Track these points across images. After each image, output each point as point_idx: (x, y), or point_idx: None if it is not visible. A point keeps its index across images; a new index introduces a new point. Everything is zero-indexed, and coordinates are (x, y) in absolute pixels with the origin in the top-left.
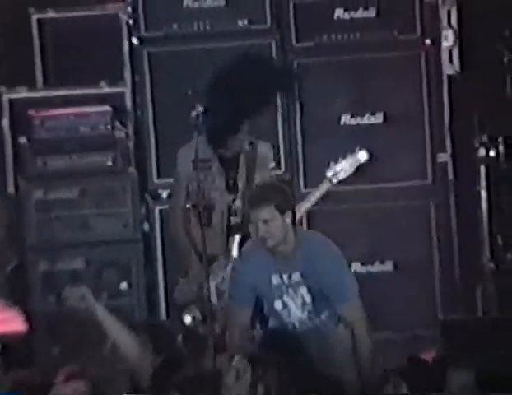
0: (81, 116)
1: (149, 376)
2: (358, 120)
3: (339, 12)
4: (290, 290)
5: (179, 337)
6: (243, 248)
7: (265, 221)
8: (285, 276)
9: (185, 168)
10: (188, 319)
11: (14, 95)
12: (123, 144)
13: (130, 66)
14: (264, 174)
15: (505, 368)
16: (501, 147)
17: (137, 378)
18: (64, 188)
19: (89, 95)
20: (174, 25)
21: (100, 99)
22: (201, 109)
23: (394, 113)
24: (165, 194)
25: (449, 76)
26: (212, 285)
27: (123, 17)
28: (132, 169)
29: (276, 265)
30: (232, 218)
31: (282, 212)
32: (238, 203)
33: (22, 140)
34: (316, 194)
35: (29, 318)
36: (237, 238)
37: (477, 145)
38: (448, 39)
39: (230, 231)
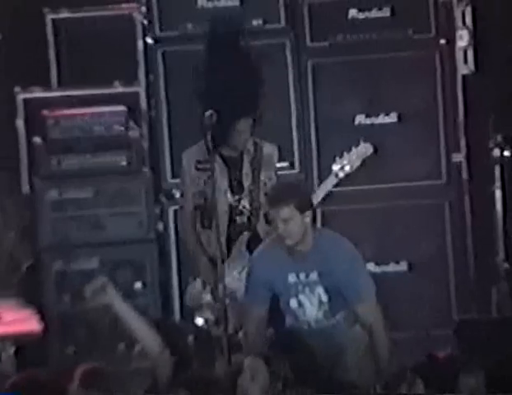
0: (96, 116)
1: (169, 372)
2: (372, 120)
3: (353, 12)
4: (306, 289)
5: (190, 337)
6: (260, 246)
7: (284, 220)
8: (302, 275)
9: (190, 170)
10: (200, 321)
11: (28, 95)
12: (137, 144)
13: (144, 66)
14: (270, 173)
15: None
16: None
17: (156, 375)
18: (78, 187)
19: (103, 94)
20: (189, 25)
21: (115, 99)
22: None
23: (409, 113)
24: (178, 194)
25: (464, 76)
26: (222, 285)
27: (138, 17)
28: (146, 169)
29: (293, 264)
30: (238, 218)
31: (302, 212)
32: (244, 203)
33: (37, 140)
34: (323, 189)
35: (43, 317)
36: (244, 237)
37: (491, 145)
38: (462, 39)
39: (236, 231)
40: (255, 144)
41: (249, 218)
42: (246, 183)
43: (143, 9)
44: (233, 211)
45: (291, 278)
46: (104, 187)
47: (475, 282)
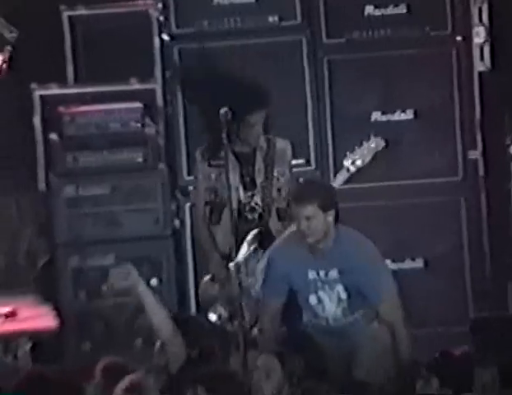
0: (112, 113)
1: (181, 363)
2: (389, 117)
3: (370, 9)
4: (326, 286)
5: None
6: (279, 241)
7: (307, 218)
8: (321, 273)
9: (203, 165)
10: (213, 317)
11: (45, 92)
12: (153, 140)
13: (161, 62)
14: (283, 169)
15: None
16: None
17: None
18: (95, 184)
19: (119, 91)
20: (205, 22)
21: (131, 96)
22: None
23: (425, 110)
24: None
25: (480, 73)
26: (236, 281)
27: (154, 14)
28: (162, 166)
29: (313, 260)
30: (249, 214)
31: (325, 211)
32: (256, 199)
33: (53, 136)
34: (334, 184)
35: (59, 314)
36: (256, 234)
37: (507, 142)
38: (479, 36)
39: (247, 227)
40: (268, 140)
41: (260, 214)
42: (259, 179)
43: (159, 6)
44: (244, 207)
45: (311, 275)
46: (120, 183)
47: (491, 279)
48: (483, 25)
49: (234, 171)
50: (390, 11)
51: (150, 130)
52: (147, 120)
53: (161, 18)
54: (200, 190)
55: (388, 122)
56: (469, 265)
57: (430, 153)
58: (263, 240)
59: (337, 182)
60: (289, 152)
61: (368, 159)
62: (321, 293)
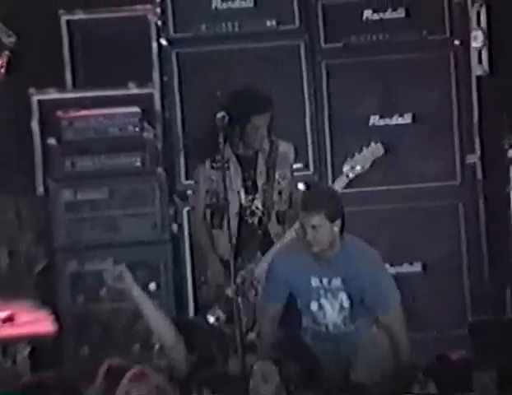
0: (110, 117)
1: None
2: (387, 121)
3: (368, 13)
4: (328, 294)
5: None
6: (281, 245)
7: (314, 227)
8: (325, 280)
9: (204, 168)
10: (211, 320)
11: (43, 97)
12: (151, 145)
13: (159, 67)
14: (285, 172)
15: None
16: None
17: (172, 370)
18: (93, 188)
19: (118, 96)
20: (203, 27)
21: (129, 101)
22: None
23: (423, 114)
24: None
25: (478, 77)
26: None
27: (152, 19)
28: (160, 170)
29: (317, 268)
30: (250, 218)
31: (332, 220)
32: (257, 203)
33: (51, 141)
34: None
35: (57, 319)
36: (257, 237)
37: (506, 146)
38: (477, 40)
39: (247, 231)
40: (271, 142)
41: (260, 218)
42: (260, 181)
43: (157, 10)
44: (245, 211)
45: (314, 282)
46: (119, 188)
47: (489, 283)
48: (481, 29)
49: (236, 175)
50: (388, 15)
51: (148, 134)
52: (145, 125)
53: (159, 23)
54: (201, 192)
55: (386, 126)
56: (467, 269)
57: (428, 157)
58: (263, 244)
59: (336, 187)
60: (291, 155)
61: (367, 165)
62: (323, 300)
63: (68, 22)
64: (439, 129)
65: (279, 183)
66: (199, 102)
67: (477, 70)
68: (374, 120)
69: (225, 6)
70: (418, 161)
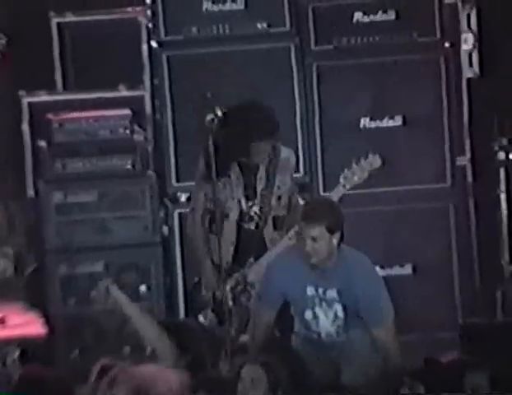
0: (101, 119)
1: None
2: (377, 123)
3: (358, 15)
4: (323, 303)
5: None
6: (278, 252)
7: (313, 239)
8: (320, 290)
9: (204, 172)
10: (201, 319)
11: (33, 99)
12: (142, 147)
13: (149, 69)
14: (285, 178)
15: None
16: None
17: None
18: (83, 191)
19: (108, 98)
20: (194, 29)
21: (120, 103)
22: (219, 112)
23: (413, 116)
24: (184, 198)
25: (469, 80)
26: (227, 288)
27: (143, 21)
28: (151, 173)
29: (313, 277)
30: (247, 224)
31: (332, 233)
32: (255, 209)
33: (42, 143)
34: None
35: (48, 321)
36: (254, 242)
37: (496, 148)
38: (467, 42)
39: (244, 237)
40: (273, 148)
41: (257, 224)
42: (259, 187)
43: (148, 13)
44: (243, 217)
45: (309, 291)
46: (109, 190)
47: (480, 285)
48: (472, 31)
49: (237, 184)
50: (379, 17)
51: (138, 137)
52: (136, 127)
53: (150, 25)
54: (199, 194)
55: (377, 128)
56: (458, 271)
57: (418, 159)
58: (258, 249)
59: (333, 198)
60: (292, 161)
61: (364, 176)
62: (317, 309)
63: (59, 24)
64: (429, 131)
65: (279, 188)
66: (190, 104)
67: (468, 72)
68: (365, 122)
69: (215, 8)
70: (408, 163)
